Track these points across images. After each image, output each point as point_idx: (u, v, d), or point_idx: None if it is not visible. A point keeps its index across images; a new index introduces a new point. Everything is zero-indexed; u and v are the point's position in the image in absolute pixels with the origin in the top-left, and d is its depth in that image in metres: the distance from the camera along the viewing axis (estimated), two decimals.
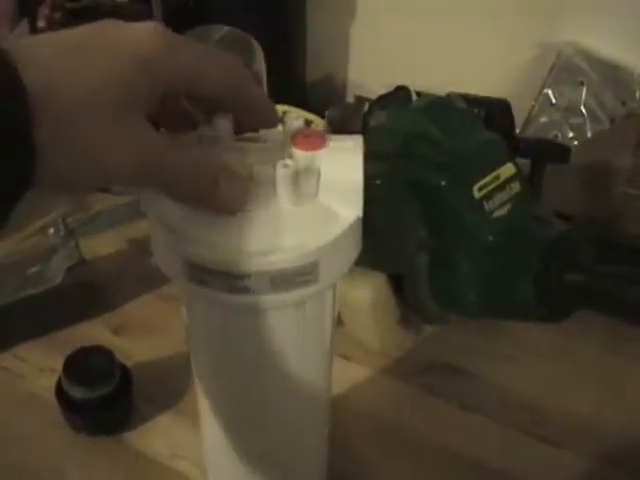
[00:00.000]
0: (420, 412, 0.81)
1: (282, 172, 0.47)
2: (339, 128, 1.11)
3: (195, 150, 0.48)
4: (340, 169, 0.50)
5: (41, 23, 1.17)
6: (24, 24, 1.24)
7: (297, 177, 0.47)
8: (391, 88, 1.08)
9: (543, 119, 1.09)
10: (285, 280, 0.47)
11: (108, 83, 0.41)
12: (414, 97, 0.82)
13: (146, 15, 1.08)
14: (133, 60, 0.42)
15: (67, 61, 0.40)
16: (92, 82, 0.40)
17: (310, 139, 0.50)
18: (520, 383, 0.84)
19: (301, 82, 1.25)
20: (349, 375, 0.85)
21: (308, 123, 1.05)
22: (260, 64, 0.72)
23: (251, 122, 0.50)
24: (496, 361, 0.86)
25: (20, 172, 0.39)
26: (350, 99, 1.28)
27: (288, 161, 0.47)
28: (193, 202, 0.47)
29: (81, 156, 0.41)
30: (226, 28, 0.72)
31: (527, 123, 1.09)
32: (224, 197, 0.46)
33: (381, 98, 0.82)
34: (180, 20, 1.08)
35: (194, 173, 0.46)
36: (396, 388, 0.84)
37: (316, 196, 0.49)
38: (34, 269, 0.87)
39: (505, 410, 0.81)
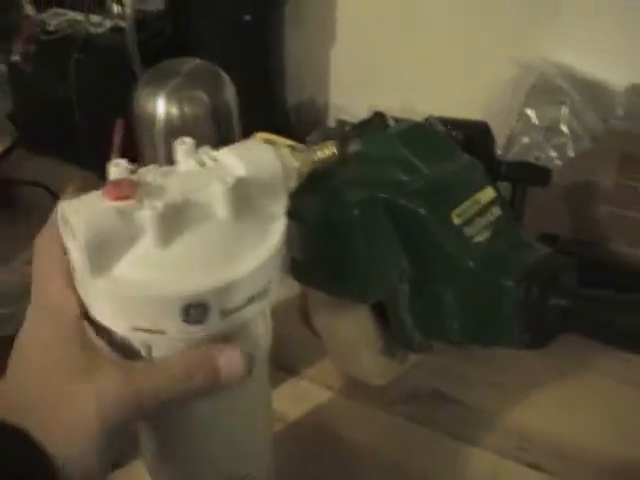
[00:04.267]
0: (406, 441, 0.80)
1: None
2: None
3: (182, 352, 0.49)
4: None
5: (15, 57, 1.17)
6: None
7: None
8: (371, 111, 1.07)
9: (525, 140, 1.08)
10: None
11: None
12: (391, 123, 0.81)
13: (120, 45, 1.07)
14: None
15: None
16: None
17: (119, 188, 0.48)
18: (508, 410, 0.82)
19: (281, 106, 1.24)
20: (333, 406, 0.83)
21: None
22: (230, 95, 0.71)
23: None
24: (483, 388, 0.85)
25: None
26: (332, 123, 1.27)
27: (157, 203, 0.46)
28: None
29: None
30: (195, 61, 0.71)
31: (509, 144, 1.09)
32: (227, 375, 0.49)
33: (357, 125, 0.81)
34: (155, 49, 1.08)
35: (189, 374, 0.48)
36: (381, 418, 0.82)
37: None
38: (4, 310, 0.85)
39: (493, 437, 0.80)
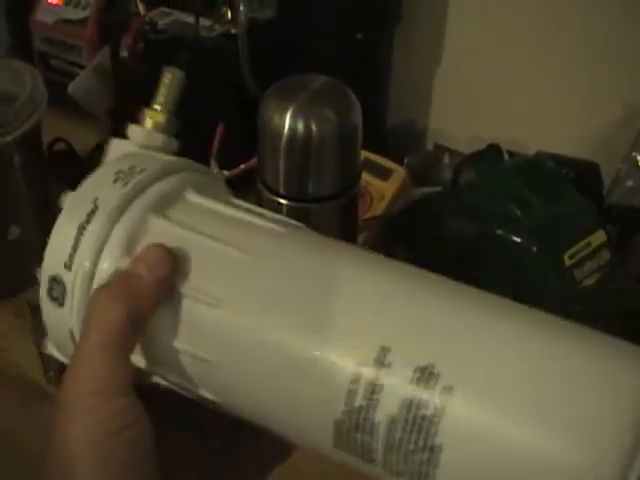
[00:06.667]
0: None
1: None
2: (418, 176, 1.10)
3: None
4: None
5: (124, 53, 1.17)
6: (105, 52, 1.24)
7: None
8: (471, 139, 1.06)
9: (629, 183, 1.06)
10: None
11: None
12: (505, 156, 0.80)
13: (229, 51, 1.07)
14: None
15: None
16: None
17: None
18: None
19: (380, 127, 1.24)
20: None
21: (388, 172, 1.04)
22: (357, 118, 0.70)
23: None
24: None
25: None
26: (429, 146, 1.26)
27: None
28: None
29: None
30: (323, 78, 0.71)
31: (613, 187, 1.07)
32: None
33: (472, 156, 0.81)
34: (266, 59, 1.07)
35: None
36: None
37: None
38: None
39: None
